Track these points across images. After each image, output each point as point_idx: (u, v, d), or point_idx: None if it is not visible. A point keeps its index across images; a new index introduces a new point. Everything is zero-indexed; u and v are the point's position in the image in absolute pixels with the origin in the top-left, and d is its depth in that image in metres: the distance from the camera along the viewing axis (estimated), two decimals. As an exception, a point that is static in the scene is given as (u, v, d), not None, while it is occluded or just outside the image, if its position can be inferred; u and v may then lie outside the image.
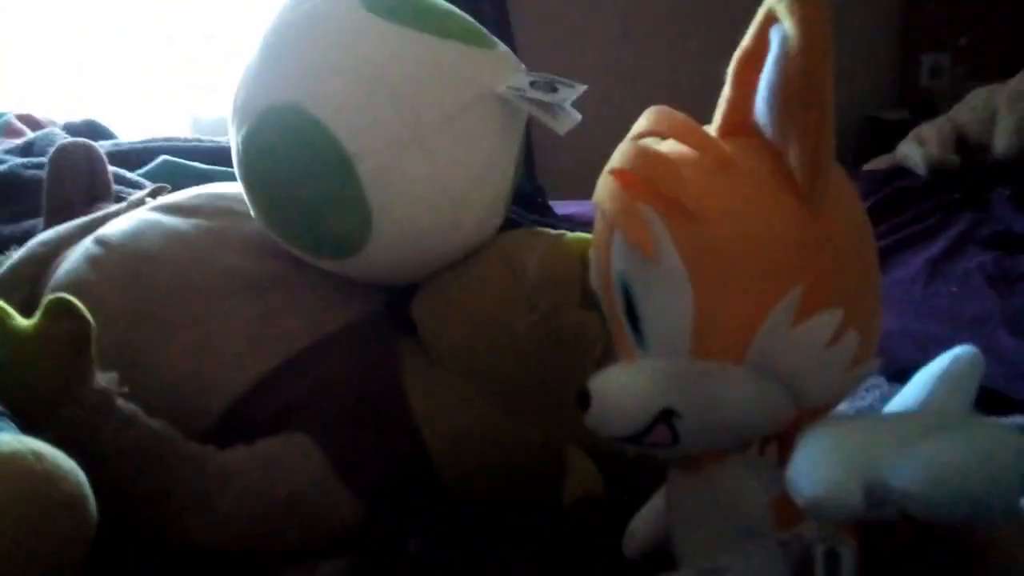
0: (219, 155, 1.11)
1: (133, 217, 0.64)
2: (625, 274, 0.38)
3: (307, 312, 0.60)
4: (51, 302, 0.49)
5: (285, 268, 0.61)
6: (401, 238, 0.55)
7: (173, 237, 0.61)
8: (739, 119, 0.38)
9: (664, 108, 0.40)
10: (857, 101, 2.06)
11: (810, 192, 0.34)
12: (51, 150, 0.86)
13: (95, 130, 1.30)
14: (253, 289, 0.60)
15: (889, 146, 1.57)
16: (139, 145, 1.17)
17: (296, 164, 0.53)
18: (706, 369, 0.36)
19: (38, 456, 0.37)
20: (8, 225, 0.93)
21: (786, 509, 0.34)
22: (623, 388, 0.39)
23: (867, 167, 1.56)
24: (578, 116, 0.55)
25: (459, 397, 0.57)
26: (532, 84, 0.54)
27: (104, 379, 0.51)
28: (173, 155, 1.09)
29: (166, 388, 0.56)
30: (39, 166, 1.01)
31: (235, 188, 0.67)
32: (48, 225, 0.78)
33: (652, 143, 0.39)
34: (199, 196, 0.66)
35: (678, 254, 0.35)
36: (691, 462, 0.41)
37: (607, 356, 0.54)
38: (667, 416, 0.37)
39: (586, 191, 0.42)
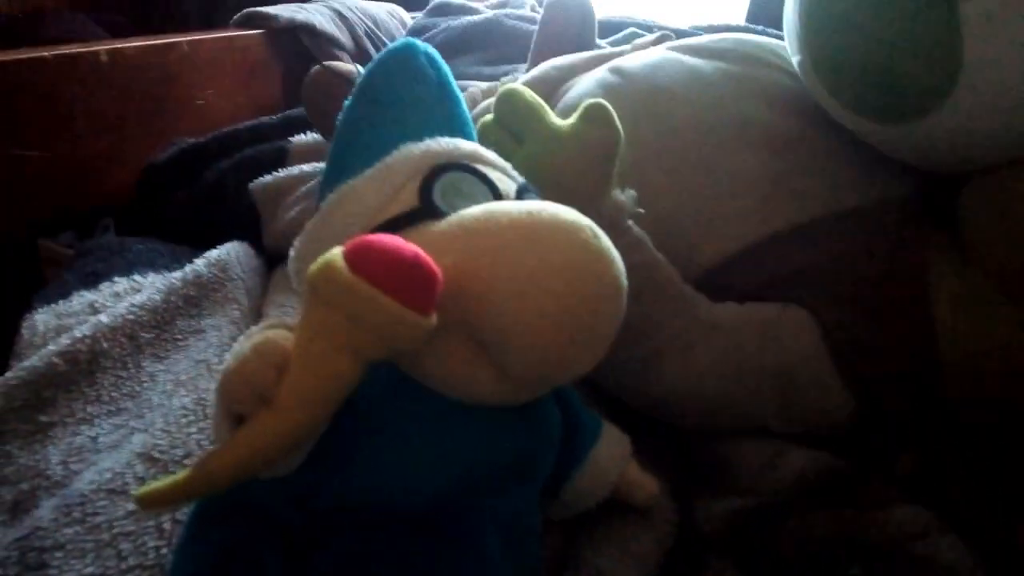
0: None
1: (650, 53, 0.62)
2: None
3: (826, 181, 0.52)
4: (590, 106, 0.47)
5: (809, 128, 0.54)
6: (990, 107, 0.44)
7: (693, 76, 0.58)
8: None
9: None
10: None
11: None
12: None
13: None
14: (770, 145, 0.54)
15: None
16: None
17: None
18: None
19: (595, 233, 0.34)
20: (488, 67, 0.99)
21: None
22: None
23: None
24: None
25: (997, 314, 0.47)
26: None
27: (624, 196, 0.49)
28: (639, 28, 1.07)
29: (663, 228, 0.53)
30: (520, 18, 1.06)
31: (762, 38, 0.61)
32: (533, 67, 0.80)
33: None
34: (724, 40, 0.61)
35: None
36: None
37: None
38: None
39: None
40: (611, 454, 0.44)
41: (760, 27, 0.94)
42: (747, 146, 0.54)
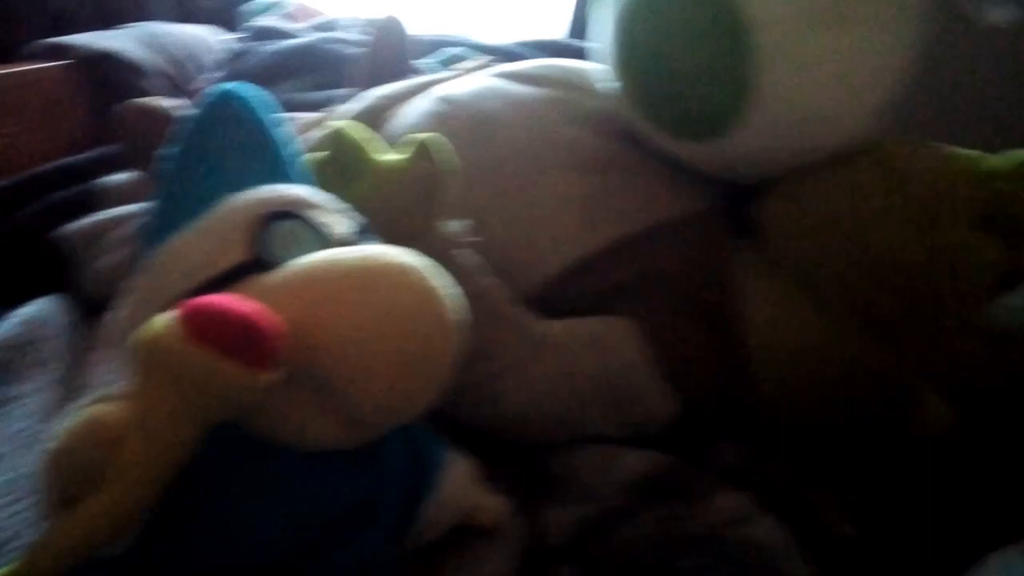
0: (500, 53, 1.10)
1: (475, 80, 0.63)
2: None
3: (642, 198, 0.56)
4: (416, 141, 0.48)
5: (625, 149, 0.58)
6: (781, 123, 0.49)
7: (515, 102, 0.60)
8: None
9: None
10: None
11: None
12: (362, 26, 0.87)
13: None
14: (590, 166, 0.57)
15: None
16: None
17: (684, 28, 0.49)
18: None
19: (428, 273, 0.35)
20: (313, 92, 0.97)
21: None
22: None
23: None
24: (1020, 12, 0.47)
25: (799, 311, 0.52)
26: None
27: (457, 225, 0.50)
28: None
29: (492, 253, 0.54)
30: (343, 41, 1.05)
31: (581, 63, 0.64)
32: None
33: None
34: (544, 67, 0.64)
35: None
36: None
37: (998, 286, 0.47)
38: None
39: None
40: (458, 479, 0.44)
41: (580, 44, 0.98)
42: (567, 168, 0.57)
